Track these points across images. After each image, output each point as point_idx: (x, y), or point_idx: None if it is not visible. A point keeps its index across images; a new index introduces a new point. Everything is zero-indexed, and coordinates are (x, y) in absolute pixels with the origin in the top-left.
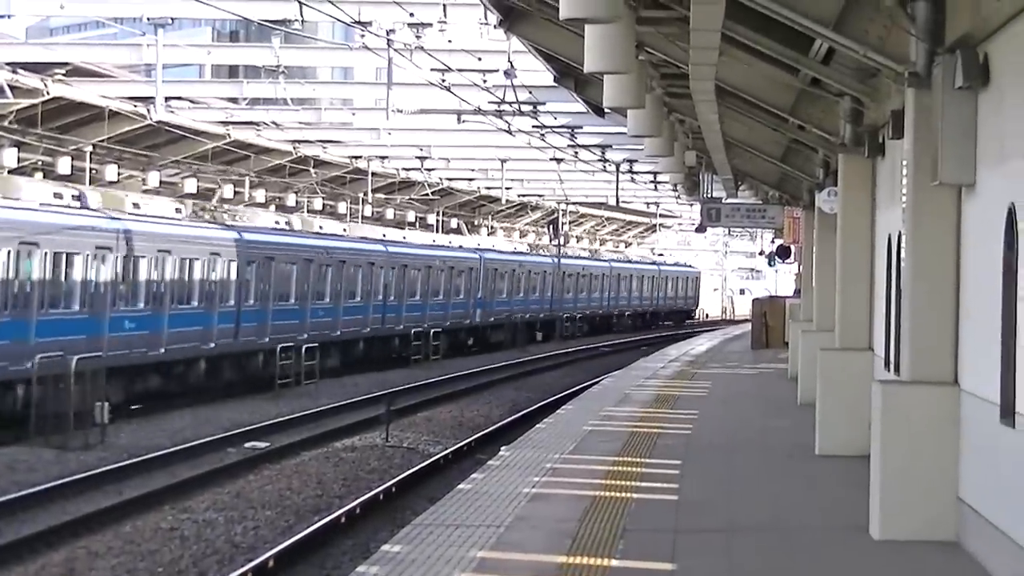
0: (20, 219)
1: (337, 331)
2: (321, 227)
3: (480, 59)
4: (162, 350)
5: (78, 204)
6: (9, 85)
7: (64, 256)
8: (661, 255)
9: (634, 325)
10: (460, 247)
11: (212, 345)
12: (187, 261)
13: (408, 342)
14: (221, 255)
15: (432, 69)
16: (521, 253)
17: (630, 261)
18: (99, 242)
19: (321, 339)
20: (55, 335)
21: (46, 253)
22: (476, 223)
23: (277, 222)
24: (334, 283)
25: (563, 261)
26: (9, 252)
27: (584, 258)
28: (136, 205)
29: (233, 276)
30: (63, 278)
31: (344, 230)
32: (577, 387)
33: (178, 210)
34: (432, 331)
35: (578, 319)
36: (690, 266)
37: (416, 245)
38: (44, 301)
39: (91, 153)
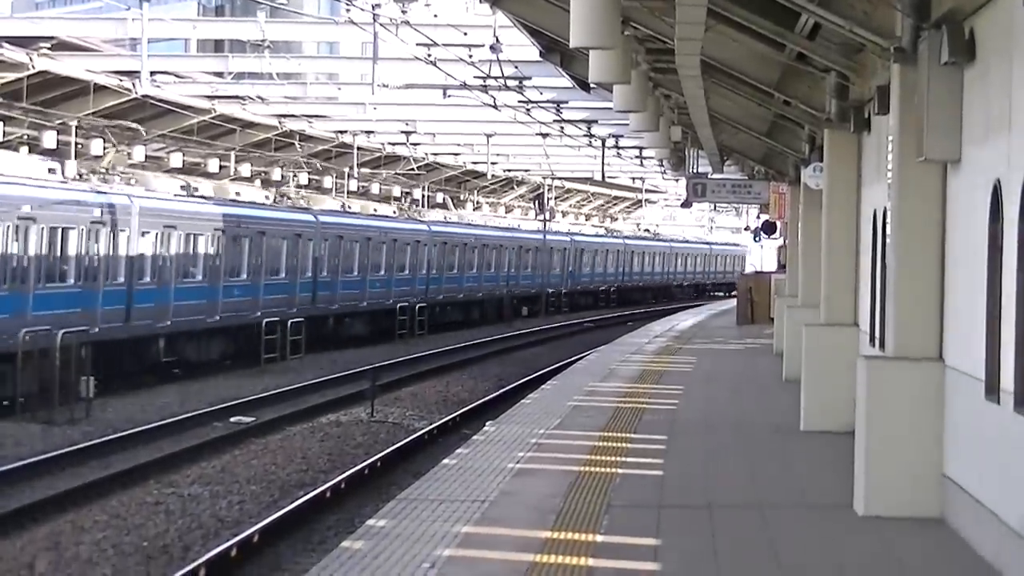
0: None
1: (480, 293)
2: (471, 220)
3: (466, 34)
4: (365, 303)
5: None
6: None
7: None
8: (647, 230)
9: (687, 295)
10: (555, 232)
11: (388, 302)
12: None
13: (524, 301)
14: (421, 241)
15: (418, 44)
16: (601, 236)
17: (687, 241)
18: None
19: (469, 297)
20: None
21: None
22: (462, 198)
23: (447, 217)
24: (480, 259)
25: (632, 242)
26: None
27: (648, 239)
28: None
29: (451, 257)
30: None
31: (484, 221)
32: (562, 363)
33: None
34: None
35: (644, 288)
36: (737, 245)
37: (528, 231)
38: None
39: (76, 127)
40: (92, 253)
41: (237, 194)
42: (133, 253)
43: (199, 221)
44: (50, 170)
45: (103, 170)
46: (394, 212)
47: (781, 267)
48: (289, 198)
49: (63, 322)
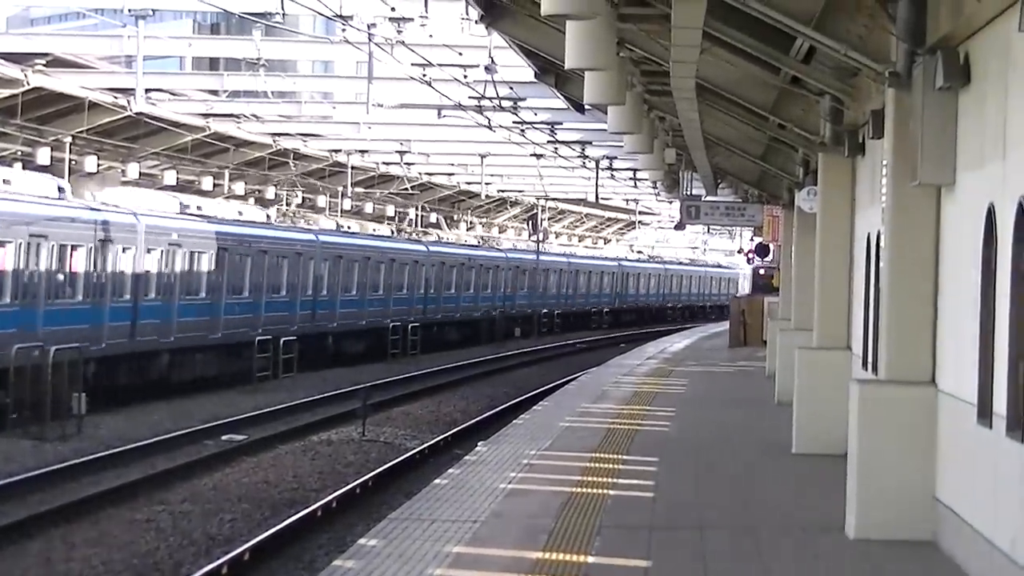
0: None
1: (544, 308)
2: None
3: (461, 54)
4: (459, 315)
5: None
6: None
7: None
8: (640, 252)
9: (721, 314)
10: (606, 257)
11: (477, 315)
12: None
13: (581, 317)
14: (500, 267)
15: (413, 64)
16: (644, 261)
17: (718, 266)
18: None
19: (536, 309)
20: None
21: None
22: (455, 218)
23: (515, 245)
24: (558, 282)
25: (672, 267)
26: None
27: (685, 264)
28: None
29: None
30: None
31: (568, 251)
32: (553, 384)
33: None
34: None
35: (678, 307)
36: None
37: (586, 257)
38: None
39: (71, 144)
40: (295, 274)
41: (374, 230)
42: (318, 275)
43: (354, 252)
44: (267, 216)
45: (291, 214)
46: (478, 242)
47: (760, 289)
48: (407, 232)
49: (279, 321)
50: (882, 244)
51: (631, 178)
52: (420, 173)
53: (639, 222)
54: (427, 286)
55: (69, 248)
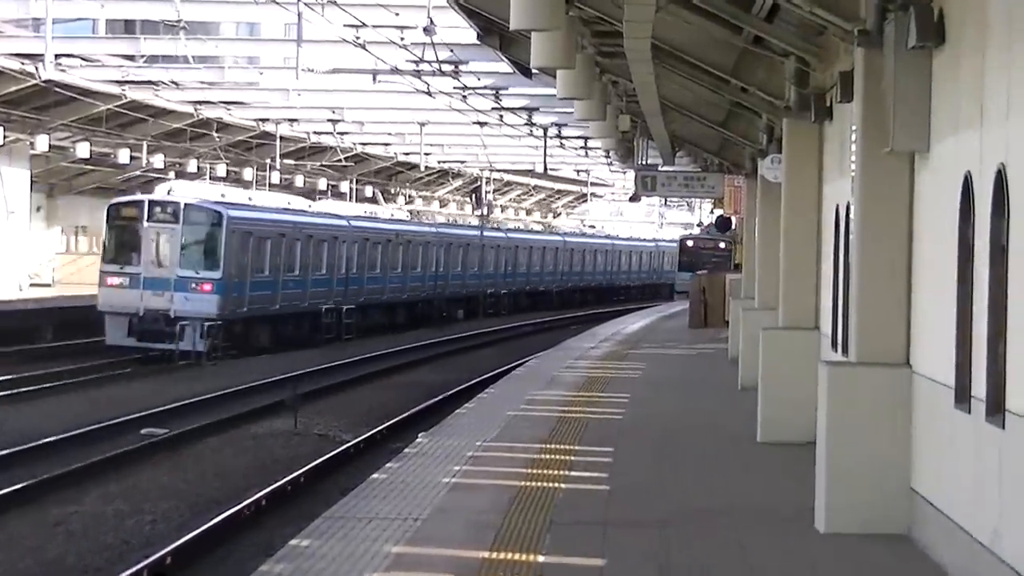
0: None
1: (593, 283)
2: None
3: (397, 14)
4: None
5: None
6: None
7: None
8: (593, 227)
9: None
10: (644, 239)
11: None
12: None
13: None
14: (558, 248)
15: (345, 25)
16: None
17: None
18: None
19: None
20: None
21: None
22: (393, 191)
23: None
24: (587, 259)
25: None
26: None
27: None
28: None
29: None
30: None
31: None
32: (500, 369)
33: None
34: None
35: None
36: None
37: (627, 238)
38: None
39: None
40: (393, 258)
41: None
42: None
43: (439, 238)
44: (365, 210)
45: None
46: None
47: (687, 267)
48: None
49: (408, 290)
50: (852, 216)
51: (582, 147)
52: (354, 143)
53: (592, 194)
54: (511, 264)
55: (321, 242)
